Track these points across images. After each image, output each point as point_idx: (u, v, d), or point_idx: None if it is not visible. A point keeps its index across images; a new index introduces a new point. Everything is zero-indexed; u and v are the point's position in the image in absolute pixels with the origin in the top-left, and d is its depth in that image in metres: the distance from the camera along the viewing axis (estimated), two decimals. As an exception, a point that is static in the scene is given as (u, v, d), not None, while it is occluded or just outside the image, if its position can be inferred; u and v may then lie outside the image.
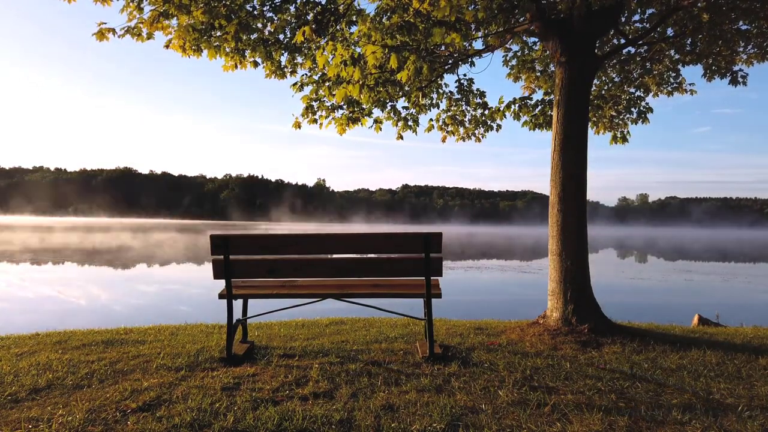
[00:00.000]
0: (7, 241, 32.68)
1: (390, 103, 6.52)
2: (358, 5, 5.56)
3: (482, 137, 7.26)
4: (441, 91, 6.83)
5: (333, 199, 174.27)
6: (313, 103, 6.23)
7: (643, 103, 6.81)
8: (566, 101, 4.93)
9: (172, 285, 14.70)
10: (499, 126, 7.17)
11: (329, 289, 4.00)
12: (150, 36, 4.97)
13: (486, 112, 7.08)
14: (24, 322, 8.36)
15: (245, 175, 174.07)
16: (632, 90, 6.79)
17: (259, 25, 5.40)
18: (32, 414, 2.72)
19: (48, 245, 30.01)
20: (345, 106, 6.29)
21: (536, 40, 6.45)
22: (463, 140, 7.31)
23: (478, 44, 6.33)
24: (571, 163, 4.89)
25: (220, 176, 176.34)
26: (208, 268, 17.26)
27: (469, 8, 4.35)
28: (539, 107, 6.82)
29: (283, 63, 5.88)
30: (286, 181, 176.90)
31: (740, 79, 5.80)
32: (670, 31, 5.80)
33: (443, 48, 5.91)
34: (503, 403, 2.91)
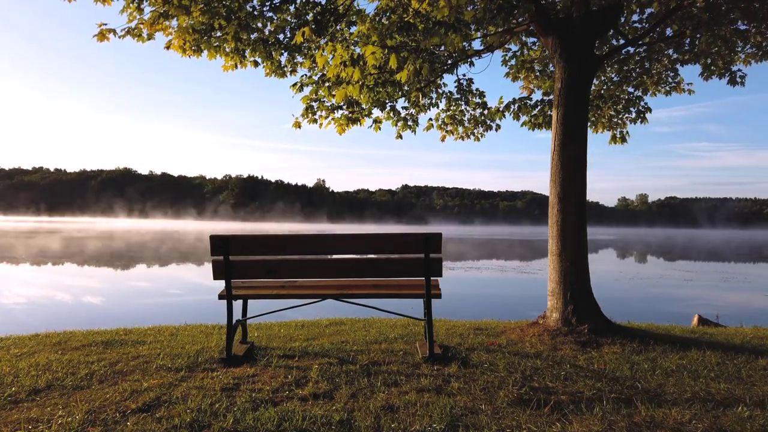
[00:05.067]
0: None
1: (389, 104, 6.52)
2: (358, 5, 5.56)
3: (481, 136, 7.27)
4: (440, 91, 6.83)
5: (333, 200, 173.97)
6: (313, 104, 6.23)
7: (642, 103, 6.83)
8: (566, 101, 4.93)
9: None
10: (498, 126, 7.17)
11: (329, 290, 3.99)
12: (150, 36, 4.97)
13: (485, 111, 7.08)
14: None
15: (245, 175, 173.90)
16: (631, 90, 6.80)
17: (259, 25, 5.40)
18: (32, 415, 2.72)
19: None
20: (345, 107, 6.29)
21: (535, 40, 6.46)
22: (462, 139, 7.32)
23: (477, 44, 6.34)
24: (571, 163, 4.89)
25: (219, 177, 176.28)
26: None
27: (469, 8, 4.35)
28: (538, 107, 6.82)
29: (283, 63, 5.88)
30: (285, 182, 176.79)
31: (738, 80, 5.80)
32: (669, 31, 5.81)
33: (442, 48, 5.91)
34: (503, 404, 2.91)
